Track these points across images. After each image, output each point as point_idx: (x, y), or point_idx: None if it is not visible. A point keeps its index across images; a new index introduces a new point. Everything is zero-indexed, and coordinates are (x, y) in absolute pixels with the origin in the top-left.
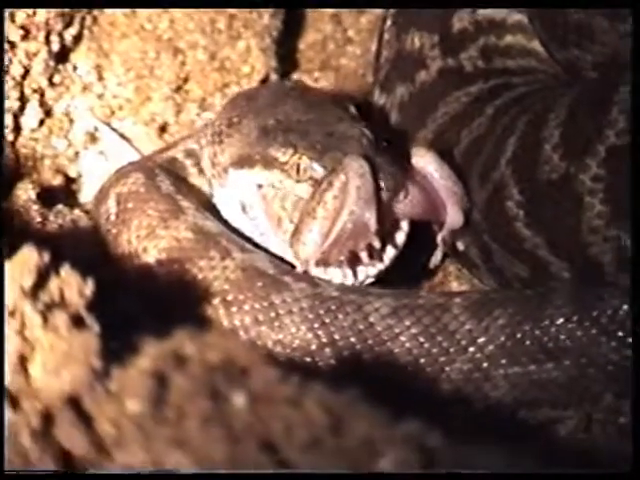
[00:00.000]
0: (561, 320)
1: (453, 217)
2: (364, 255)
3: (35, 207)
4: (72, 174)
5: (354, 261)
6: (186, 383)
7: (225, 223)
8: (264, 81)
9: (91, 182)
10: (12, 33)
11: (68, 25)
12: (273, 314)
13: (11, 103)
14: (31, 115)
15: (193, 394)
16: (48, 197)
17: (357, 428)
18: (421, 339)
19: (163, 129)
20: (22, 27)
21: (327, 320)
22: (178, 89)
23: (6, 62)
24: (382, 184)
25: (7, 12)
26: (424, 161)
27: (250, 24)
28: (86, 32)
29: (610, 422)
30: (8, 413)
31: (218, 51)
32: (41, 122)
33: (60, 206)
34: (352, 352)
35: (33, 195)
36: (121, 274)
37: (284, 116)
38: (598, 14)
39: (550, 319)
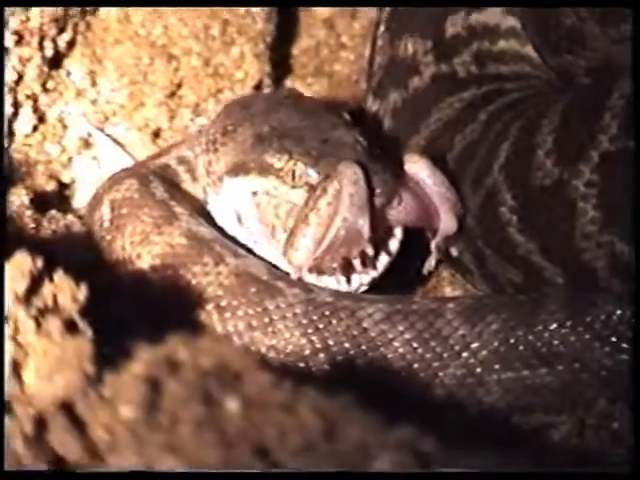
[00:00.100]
0: (554, 325)
1: (447, 223)
2: (357, 262)
3: (28, 212)
4: (65, 180)
5: (347, 268)
6: (179, 388)
7: (220, 230)
8: (258, 87)
9: (84, 188)
10: (6, 38)
11: (61, 31)
12: (267, 320)
13: (4, 109)
14: (24, 121)
15: (186, 399)
16: (41, 203)
17: (351, 433)
18: (415, 344)
19: (157, 135)
20: (16, 32)
21: (321, 326)
22: (172, 95)
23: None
24: (376, 190)
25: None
26: (417, 167)
27: (244, 30)
28: (80, 38)
29: (603, 427)
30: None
31: (212, 57)
32: (34, 128)
33: (53, 212)
34: (346, 357)
35: (26, 200)
36: (115, 280)
37: (279, 123)
38: (590, 19)
39: (543, 324)
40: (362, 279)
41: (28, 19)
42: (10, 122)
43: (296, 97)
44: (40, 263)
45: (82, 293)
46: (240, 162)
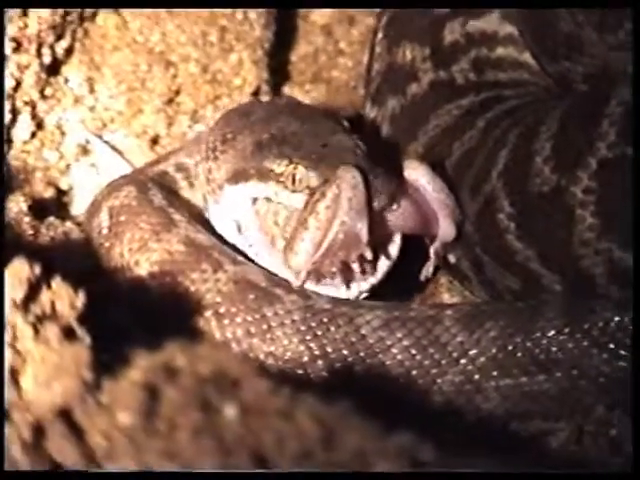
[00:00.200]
0: (552, 332)
1: (445, 230)
2: (356, 266)
3: (27, 219)
4: (64, 186)
5: (346, 272)
6: (177, 395)
7: (219, 238)
8: (256, 93)
9: (82, 194)
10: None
11: (59, 38)
12: (265, 326)
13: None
14: (23, 127)
15: (184, 406)
16: (40, 209)
17: (349, 440)
18: (413, 351)
19: (155, 141)
20: (14, 39)
21: (319, 332)
22: (170, 102)
23: None
24: (374, 195)
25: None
26: (416, 174)
27: (242, 37)
28: (77, 45)
29: (601, 434)
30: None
31: (210, 64)
32: (33, 134)
33: (51, 218)
34: (344, 364)
35: (25, 207)
36: (113, 287)
37: (278, 130)
38: (587, 26)
39: (542, 331)
40: (361, 287)
41: (26, 26)
42: (8, 129)
43: (294, 104)
44: (38, 270)
45: (80, 300)
46: (240, 169)
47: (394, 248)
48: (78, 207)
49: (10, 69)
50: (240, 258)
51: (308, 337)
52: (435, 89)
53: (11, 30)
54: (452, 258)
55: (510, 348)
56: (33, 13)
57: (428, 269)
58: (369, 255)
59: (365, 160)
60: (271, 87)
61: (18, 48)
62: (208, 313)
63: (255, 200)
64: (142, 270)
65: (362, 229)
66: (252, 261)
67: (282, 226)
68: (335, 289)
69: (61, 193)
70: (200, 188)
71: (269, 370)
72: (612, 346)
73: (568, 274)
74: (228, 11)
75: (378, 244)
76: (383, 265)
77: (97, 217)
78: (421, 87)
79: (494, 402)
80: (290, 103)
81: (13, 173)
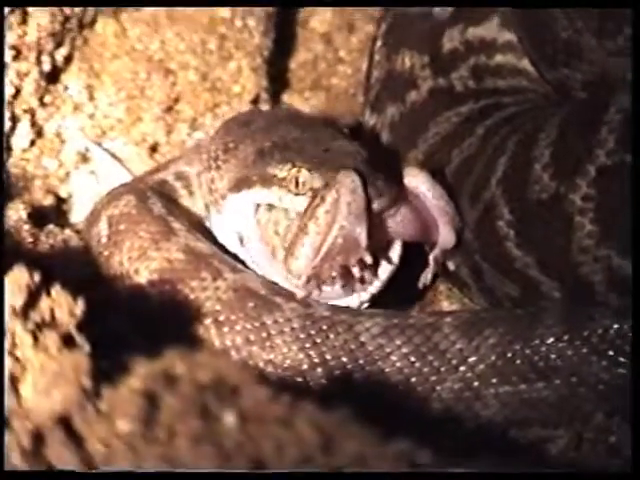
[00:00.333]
0: (552, 339)
1: (445, 237)
2: (356, 270)
3: (26, 227)
4: (63, 194)
5: (346, 276)
6: (176, 402)
7: (220, 247)
8: (255, 101)
9: (82, 202)
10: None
11: (59, 45)
12: (264, 334)
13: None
14: (22, 135)
15: (184, 413)
16: (39, 217)
17: (348, 447)
18: (412, 358)
19: (154, 149)
20: (13, 47)
21: (318, 340)
22: (169, 109)
23: None
24: (375, 200)
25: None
26: (417, 181)
27: (241, 44)
28: (77, 52)
29: (601, 441)
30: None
31: (209, 71)
32: (32, 142)
33: (51, 226)
34: (343, 372)
35: (24, 215)
36: (112, 294)
37: (279, 138)
38: (586, 32)
39: (541, 338)
40: (362, 297)
41: (25, 33)
42: (8, 136)
43: (294, 113)
44: (37, 277)
45: (79, 307)
46: (242, 177)
47: (395, 255)
48: (77, 215)
49: (9, 77)
50: (239, 266)
51: (307, 345)
52: (434, 96)
53: (10, 38)
54: (451, 265)
55: (509, 355)
56: (32, 21)
57: (427, 276)
58: (369, 259)
59: (366, 165)
60: (270, 95)
61: (17, 56)
62: (208, 321)
63: (257, 209)
64: (142, 278)
65: (361, 234)
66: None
67: (282, 235)
68: (337, 298)
69: (60, 201)
70: (201, 197)
71: (268, 378)
72: (611, 353)
73: (567, 281)
74: (227, 19)
75: (378, 251)
76: (383, 273)
77: (96, 226)
78: (420, 94)
79: (493, 409)
80: (290, 112)
81: (12, 181)
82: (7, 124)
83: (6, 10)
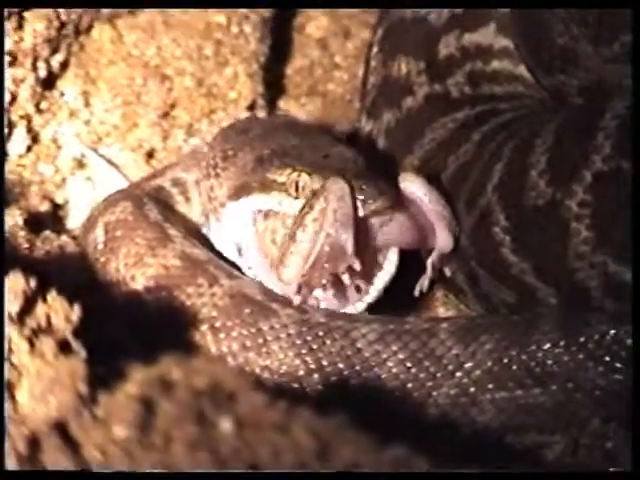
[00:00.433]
0: (548, 345)
1: (443, 241)
2: (346, 277)
3: (22, 233)
4: (59, 200)
5: (337, 284)
6: (173, 408)
7: (216, 253)
8: (251, 107)
9: (78, 208)
10: None
11: (55, 51)
12: (261, 340)
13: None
14: (18, 141)
15: (180, 419)
16: (35, 223)
17: (344, 453)
18: (408, 364)
19: (150, 155)
20: (9, 53)
21: (315, 346)
22: (165, 115)
23: None
24: (372, 206)
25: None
26: (413, 186)
27: (237, 50)
28: (73, 58)
29: (597, 447)
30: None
31: (205, 77)
32: (28, 148)
33: (47, 232)
34: (340, 378)
35: (20, 221)
36: (109, 301)
37: (278, 146)
38: (582, 39)
39: (537, 344)
40: (357, 307)
41: (21, 39)
42: (4, 142)
43: (292, 121)
44: (34, 283)
45: (76, 313)
46: (241, 184)
47: (391, 263)
48: (74, 221)
49: (6, 83)
50: (236, 272)
51: (304, 351)
52: (430, 102)
53: (6, 44)
54: (448, 272)
55: (505, 361)
56: (28, 27)
57: (424, 283)
58: (357, 266)
59: (365, 171)
60: (266, 101)
61: (13, 62)
62: (204, 327)
63: (255, 218)
64: (138, 285)
65: (347, 240)
66: None
67: (280, 245)
68: (337, 304)
69: (57, 207)
70: (200, 204)
71: (265, 384)
72: (608, 359)
73: (563, 287)
74: (223, 25)
75: (374, 259)
76: (380, 282)
77: (93, 232)
78: (416, 101)
79: (489, 415)
80: (287, 120)
81: (9, 187)
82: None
83: (5, 12)
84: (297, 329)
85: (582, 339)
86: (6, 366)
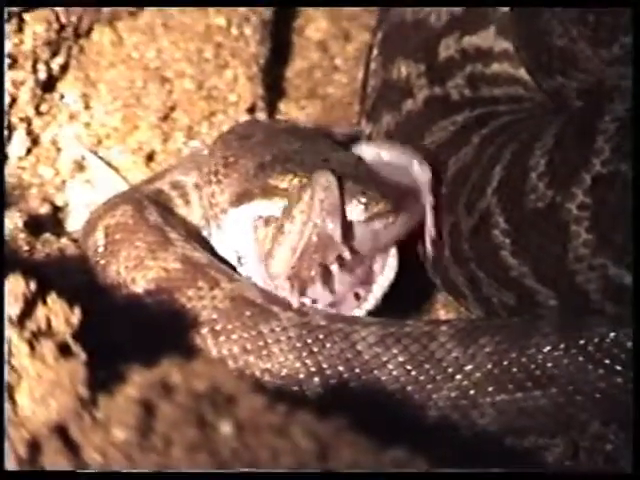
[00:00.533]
0: (548, 348)
1: (418, 174)
2: (335, 267)
3: (22, 236)
4: (59, 203)
5: (325, 275)
6: (173, 411)
7: (217, 256)
8: (251, 109)
9: (78, 211)
10: None
11: (55, 54)
12: (261, 343)
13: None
14: (18, 144)
15: (180, 422)
16: (35, 226)
17: (344, 456)
18: (408, 367)
19: (150, 157)
20: (9, 56)
21: (315, 349)
22: (165, 118)
23: None
24: (372, 209)
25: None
26: (372, 151)
27: (237, 53)
28: (73, 61)
29: (597, 450)
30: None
31: (205, 80)
32: (28, 151)
33: (47, 235)
34: (340, 380)
35: (20, 224)
36: (109, 304)
37: (279, 151)
38: (581, 41)
39: (537, 347)
40: (361, 309)
41: (21, 42)
42: (3, 145)
43: (292, 126)
44: (34, 286)
45: (76, 316)
46: (243, 191)
47: (391, 270)
48: (74, 223)
49: (5, 85)
50: (236, 276)
51: (304, 353)
52: (430, 105)
53: (6, 46)
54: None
55: (505, 364)
56: (28, 29)
57: (430, 232)
58: (347, 255)
59: (366, 175)
60: (266, 103)
61: (13, 64)
62: (204, 330)
63: (256, 225)
64: (138, 287)
65: (335, 230)
66: None
67: (269, 238)
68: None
69: (56, 209)
70: (200, 207)
71: (265, 386)
72: (607, 362)
73: (563, 290)
74: (223, 27)
75: (373, 264)
76: (379, 288)
77: (93, 235)
78: (416, 103)
79: (489, 417)
80: (288, 124)
81: (8, 189)
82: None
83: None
84: (297, 332)
85: (582, 342)
86: (6, 369)
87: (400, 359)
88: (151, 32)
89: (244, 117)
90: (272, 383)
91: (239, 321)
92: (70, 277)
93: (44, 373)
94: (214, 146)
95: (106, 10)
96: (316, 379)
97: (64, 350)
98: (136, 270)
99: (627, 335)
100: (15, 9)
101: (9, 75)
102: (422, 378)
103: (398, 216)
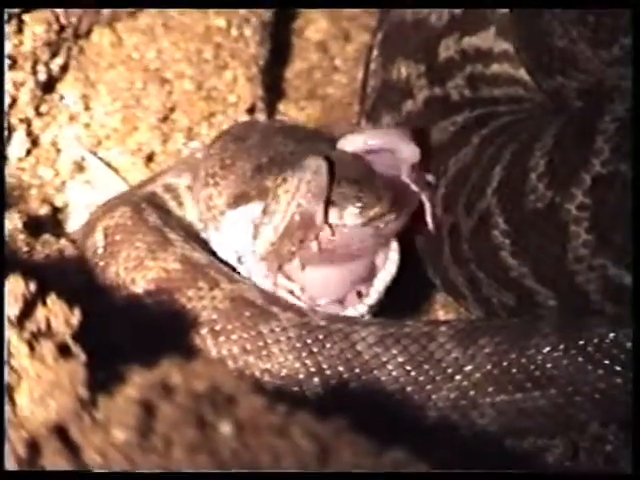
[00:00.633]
0: (547, 348)
1: (406, 152)
2: (314, 244)
3: (22, 236)
4: (59, 204)
5: (303, 251)
6: (173, 412)
7: (216, 257)
8: (251, 110)
9: (78, 212)
10: None
11: (54, 55)
12: (261, 343)
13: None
14: (18, 145)
15: (180, 423)
16: (35, 226)
17: (344, 457)
18: (408, 367)
19: (150, 158)
20: (9, 57)
21: (314, 349)
22: (165, 119)
23: None
24: (371, 214)
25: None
26: (348, 146)
27: (237, 54)
28: (73, 62)
29: (597, 450)
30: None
31: (205, 81)
32: (28, 152)
33: (47, 235)
34: (339, 381)
35: (20, 224)
36: (109, 304)
37: (276, 153)
38: (581, 41)
39: (536, 347)
40: (358, 309)
41: (21, 43)
42: (4, 146)
43: (289, 126)
44: (33, 287)
45: (75, 317)
46: (240, 193)
47: (392, 264)
48: (73, 224)
49: (5, 86)
50: (236, 276)
51: (304, 354)
52: (430, 106)
53: (6, 47)
54: (430, 177)
55: (505, 364)
56: (28, 30)
57: (432, 213)
58: (328, 234)
59: (363, 176)
60: (266, 104)
61: (13, 65)
62: (204, 330)
63: (255, 226)
64: (138, 288)
65: (318, 212)
66: None
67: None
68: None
69: (56, 210)
70: (193, 208)
71: (265, 387)
72: (607, 362)
73: (563, 290)
74: (223, 28)
75: (375, 261)
76: (381, 282)
77: (92, 237)
78: (416, 104)
79: (489, 418)
80: (284, 125)
81: (8, 190)
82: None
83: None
84: (297, 332)
85: (581, 342)
86: (5, 369)
87: (400, 359)
88: (151, 33)
89: (244, 118)
90: (272, 383)
91: (239, 321)
92: (70, 278)
93: (44, 374)
94: (210, 148)
95: (106, 11)
96: (316, 379)
97: (64, 351)
98: (136, 271)
99: (627, 335)
100: (15, 10)
101: (9, 76)
102: (422, 378)
103: (396, 213)
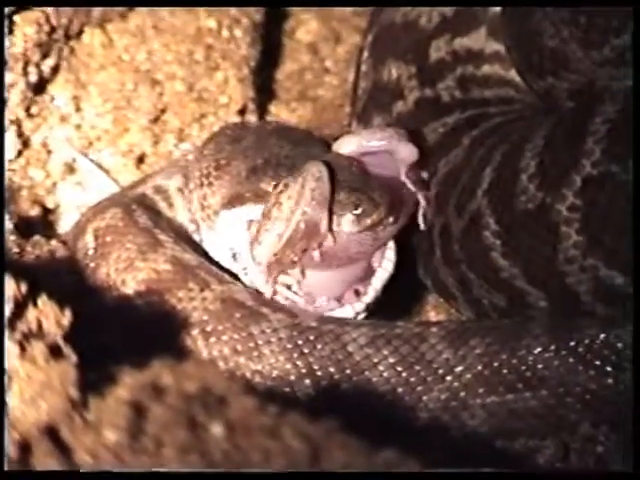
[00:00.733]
0: (538, 349)
1: (403, 152)
2: (316, 254)
3: (12, 238)
4: (50, 205)
5: (305, 259)
6: (164, 413)
7: (207, 259)
8: (242, 111)
9: (69, 213)
10: None
11: (45, 56)
12: (252, 344)
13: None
14: (8, 146)
15: (171, 424)
16: (25, 228)
17: (335, 457)
18: (399, 368)
19: (141, 160)
20: None
21: (305, 350)
22: (156, 120)
23: None
24: (369, 222)
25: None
26: (344, 148)
27: (228, 55)
28: (64, 63)
29: (588, 451)
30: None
31: (196, 82)
32: (19, 153)
33: (37, 237)
34: (330, 382)
35: (10, 226)
36: (99, 305)
37: (271, 154)
38: (572, 42)
39: (527, 348)
40: (355, 307)
41: (12, 44)
42: (3, 146)
43: (283, 128)
44: (24, 288)
45: (66, 318)
46: (235, 194)
47: (389, 263)
48: (64, 225)
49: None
50: (227, 277)
51: (295, 355)
52: (421, 107)
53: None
54: (424, 174)
55: (496, 365)
56: (18, 31)
57: (424, 212)
58: (330, 242)
59: (358, 180)
60: (257, 105)
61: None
62: (195, 331)
63: (249, 225)
64: (129, 289)
65: (322, 220)
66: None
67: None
68: (330, 310)
69: (47, 211)
70: (184, 209)
71: (256, 388)
72: (598, 363)
73: (553, 291)
74: (214, 29)
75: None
76: (378, 281)
77: (82, 239)
78: (407, 105)
79: (480, 419)
80: (279, 126)
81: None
82: None
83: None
84: (288, 333)
85: (572, 343)
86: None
87: (391, 360)
88: (141, 34)
89: (235, 119)
90: (263, 384)
91: (229, 322)
92: (61, 279)
93: (34, 374)
94: (203, 149)
95: (96, 12)
96: (307, 380)
97: (55, 352)
98: (126, 272)
99: (618, 336)
100: (6, 10)
101: None
102: (413, 379)
103: (394, 217)
